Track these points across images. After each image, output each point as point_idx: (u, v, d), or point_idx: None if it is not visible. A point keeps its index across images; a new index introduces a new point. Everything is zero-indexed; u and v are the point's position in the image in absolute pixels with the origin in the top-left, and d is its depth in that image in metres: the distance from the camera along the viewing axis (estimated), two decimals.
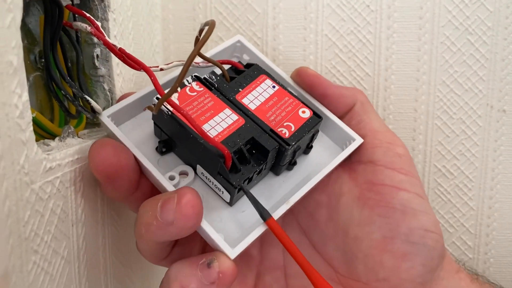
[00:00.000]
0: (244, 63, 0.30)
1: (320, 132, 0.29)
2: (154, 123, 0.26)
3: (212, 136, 0.23)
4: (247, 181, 0.25)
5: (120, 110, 0.26)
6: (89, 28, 0.23)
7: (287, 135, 0.25)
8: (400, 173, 0.27)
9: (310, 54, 0.36)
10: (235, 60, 0.30)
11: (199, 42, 0.20)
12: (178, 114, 0.24)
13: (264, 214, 0.23)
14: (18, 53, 0.19)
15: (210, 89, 0.26)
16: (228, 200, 0.25)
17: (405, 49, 0.36)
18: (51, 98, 0.27)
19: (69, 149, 0.23)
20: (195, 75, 0.27)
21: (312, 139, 0.28)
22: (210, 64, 0.28)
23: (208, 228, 0.23)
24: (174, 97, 0.25)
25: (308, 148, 0.28)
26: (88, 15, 0.25)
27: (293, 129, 0.26)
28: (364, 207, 0.27)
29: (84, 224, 0.25)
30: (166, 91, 0.22)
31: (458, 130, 0.36)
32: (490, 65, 0.35)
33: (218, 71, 0.27)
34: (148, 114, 0.28)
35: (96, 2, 0.28)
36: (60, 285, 0.23)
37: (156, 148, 0.27)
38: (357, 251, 0.27)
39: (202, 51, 0.30)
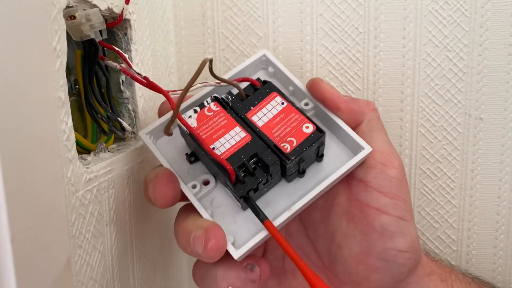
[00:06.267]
0: (272, 74, 0.32)
1: (336, 139, 0.31)
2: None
3: (221, 153, 0.27)
4: (252, 191, 0.27)
5: (156, 127, 0.30)
6: (118, 66, 0.28)
7: (288, 150, 0.27)
8: (386, 196, 0.29)
9: (307, 72, 0.41)
10: (262, 72, 0.33)
11: (190, 80, 0.24)
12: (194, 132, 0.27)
13: (261, 217, 0.27)
14: (65, 89, 0.24)
15: (226, 108, 0.29)
16: (240, 206, 0.29)
17: (390, 66, 0.40)
18: (84, 118, 0.32)
19: (103, 163, 0.28)
20: (214, 96, 0.29)
21: (318, 150, 0.29)
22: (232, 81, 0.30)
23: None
24: (194, 117, 0.29)
25: (319, 157, 0.30)
26: (117, 49, 0.30)
27: (294, 144, 0.28)
28: (350, 221, 0.30)
29: (116, 224, 0.30)
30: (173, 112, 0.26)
31: (440, 136, 0.41)
32: (467, 78, 0.40)
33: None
34: None
35: (121, 36, 0.33)
36: (98, 275, 0.28)
37: (186, 158, 0.30)
38: (338, 255, 0.31)
39: (227, 69, 0.33)
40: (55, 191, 0.22)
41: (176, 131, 0.30)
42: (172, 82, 0.41)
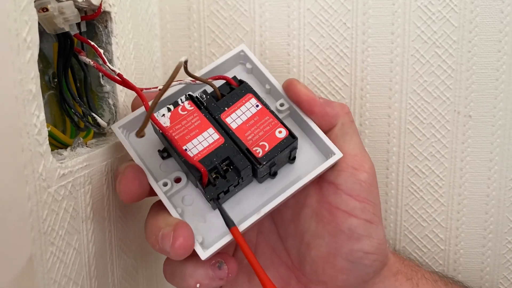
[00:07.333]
0: (250, 70, 0.32)
1: (309, 141, 0.31)
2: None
3: (193, 154, 0.27)
4: (222, 193, 0.27)
5: (130, 121, 0.30)
6: (91, 63, 0.27)
7: (260, 154, 0.27)
8: (355, 200, 0.29)
9: (294, 67, 0.40)
10: (240, 67, 0.33)
11: (164, 85, 0.23)
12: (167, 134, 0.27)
13: (229, 224, 0.26)
14: (36, 82, 0.23)
15: (200, 108, 0.29)
16: (210, 205, 0.29)
17: (378, 62, 0.39)
18: (63, 113, 0.31)
19: (78, 158, 0.27)
20: (188, 94, 0.29)
21: (290, 154, 0.29)
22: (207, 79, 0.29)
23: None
24: (167, 116, 0.28)
25: (291, 159, 0.30)
26: (92, 43, 0.29)
27: (267, 148, 0.28)
28: (319, 223, 0.31)
29: (93, 220, 0.29)
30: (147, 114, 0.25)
31: (428, 134, 0.40)
32: (456, 75, 0.39)
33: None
34: None
35: (101, 29, 0.32)
36: (72, 272, 0.27)
37: (159, 154, 0.30)
38: (307, 255, 0.32)
39: (207, 62, 0.34)
40: (18, 188, 0.22)
41: (149, 127, 0.30)
42: (157, 77, 0.40)
